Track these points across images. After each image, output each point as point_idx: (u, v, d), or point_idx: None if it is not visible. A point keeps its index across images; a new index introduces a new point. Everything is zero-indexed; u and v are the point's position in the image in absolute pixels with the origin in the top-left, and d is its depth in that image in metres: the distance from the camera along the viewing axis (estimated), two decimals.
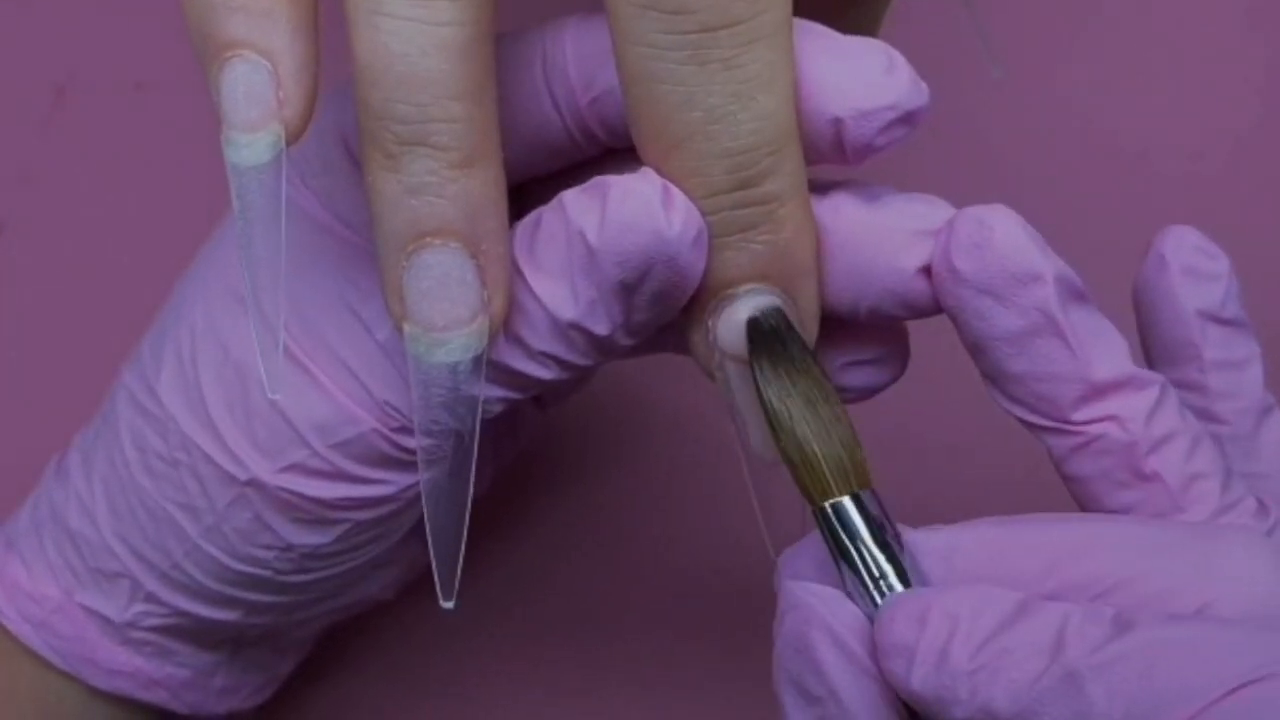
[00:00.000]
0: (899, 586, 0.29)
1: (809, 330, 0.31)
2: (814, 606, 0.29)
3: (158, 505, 0.35)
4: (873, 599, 0.29)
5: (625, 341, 0.31)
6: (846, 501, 0.30)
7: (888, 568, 0.29)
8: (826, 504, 0.30)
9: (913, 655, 0.28)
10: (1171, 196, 0.45)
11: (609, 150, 0.33)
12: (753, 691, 0.42)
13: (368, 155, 0.29)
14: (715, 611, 0.43)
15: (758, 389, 0.30)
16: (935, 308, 0.31)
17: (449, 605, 0.31)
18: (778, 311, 0.30)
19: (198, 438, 0.34)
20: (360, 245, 0.33)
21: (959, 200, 0.31)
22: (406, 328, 0.30)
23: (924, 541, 0.30)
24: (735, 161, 0.29)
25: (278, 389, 0.30)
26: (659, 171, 0.29)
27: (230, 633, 0.37)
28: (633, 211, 0.29)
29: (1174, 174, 0.46)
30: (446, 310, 0.29)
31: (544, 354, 0.31)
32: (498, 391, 0.31)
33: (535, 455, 0.44)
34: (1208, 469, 0.31)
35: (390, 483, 0.33)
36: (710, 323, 0.31)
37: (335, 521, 0.34)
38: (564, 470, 0.45)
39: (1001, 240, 0.30)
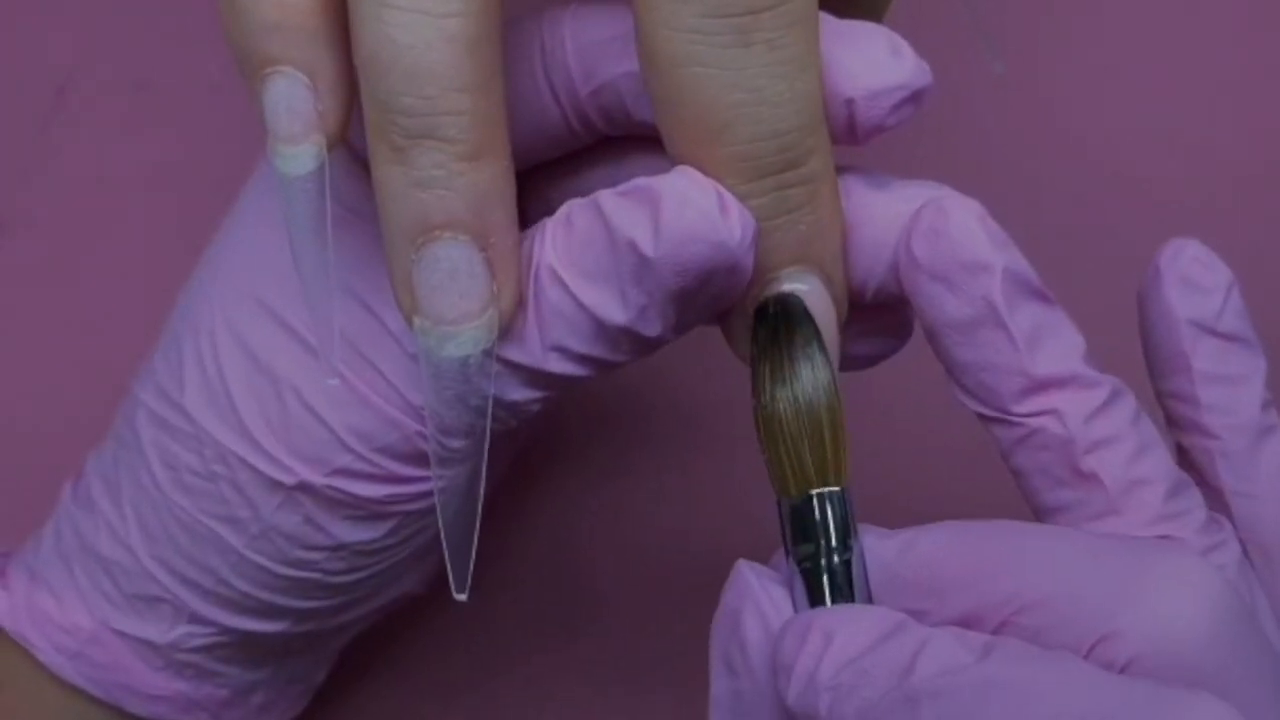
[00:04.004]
0: (823, 601, 0.30)
1: (841, 308, 0.31)
2: (752, 586, 0.30)
3: (196, 522, 0.34)
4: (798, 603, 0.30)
5: (670, 337, 0.31)
6: (799, 502, 0.30)
7: (816, 579, 0.30)
8: (782, 499, 0.31)
9: (790, 672, 0.28)
10: (1172, 196, 0.45)
11: (605, 138, 0.33)
12: None
13: (374, 148, 0.29)
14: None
15: (753, 374, 0.31)
16: None
17: (462, 597, 0.31)
18: (796, 298, 0.30)
19: (236, 448, 0.33)
20: (374, 235, 0.33)
21: None
22: (416, 321, 0.30)
23: (877, 544, 0.30)
24: (783, 142, 0.29)
25: (335, 376, 0.31)
26: (691, 159, 0.29)
27: (276, 645, 0.37)
28: (692, 223, 0.29)
29: (1175, 173, 0.46)
30: (456, 304, 0.29)
31: (587, 357, 0.31)
32: (536, 393, 0.31)
33: (549, 450, 0.44)
34: (1152, 476, 0.31)
35: (437, 476, 0.33)
36: (752, 309, 0.31)
37: (386, 515, 0.34)
38: (577, 460, 0.45)
39: (955, 229, 0.30)
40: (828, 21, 0.30)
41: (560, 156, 0.33)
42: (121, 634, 0.36)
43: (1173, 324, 0.32)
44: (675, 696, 0.43)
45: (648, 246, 0.29)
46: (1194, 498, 0.32)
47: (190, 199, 0.44)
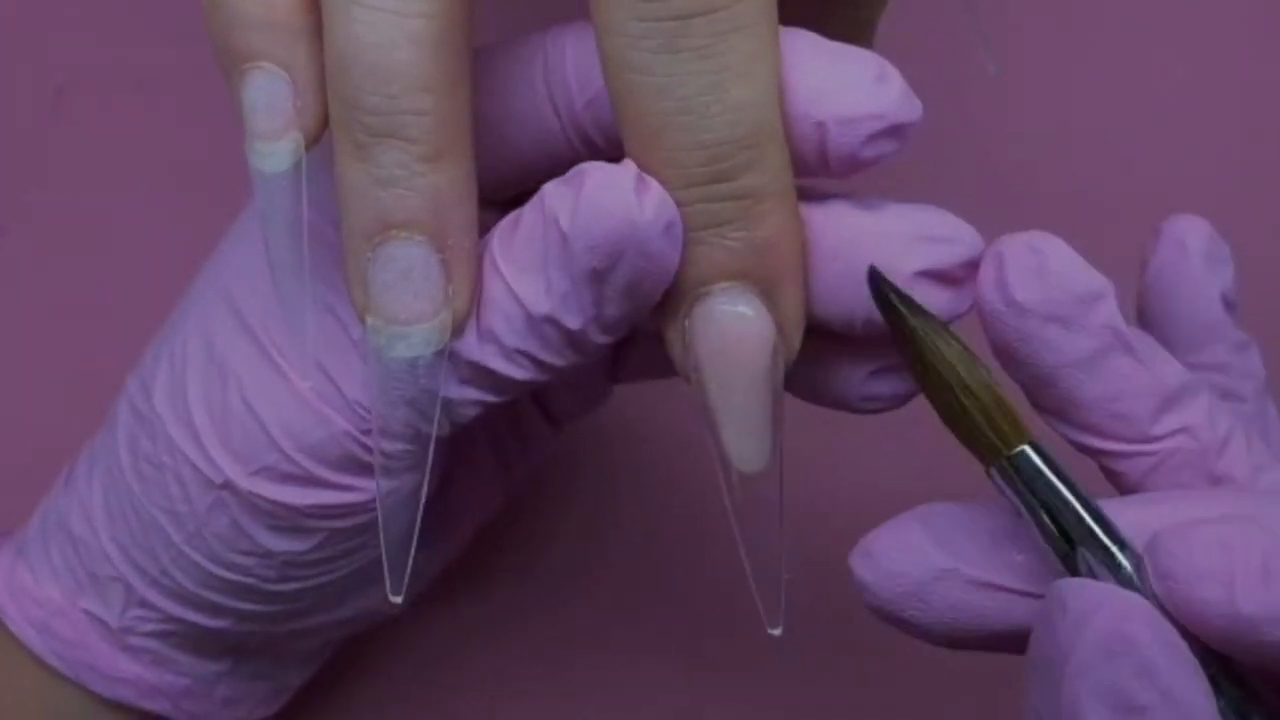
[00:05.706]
0: (1107, 540, 0.28)
1: (790, 337, 0.30)
2: (1132, 602, 0.27)
3: (145, 509, 0.34)
4: (1086, 562, 0.28)
5: (599, 339, 0.30)
6: (1021, 461, 0.28)
7: (1091, 520, 0.28)
8: (1014, 450, 0.28)
9: (1231, 579, 0.26)
10: (1172, 196, 0.45)
11: (609, 160, 0.32)
12: (771, 706, 0.43)
13: (338, 145, 0.29)
14: (732, 626, 0.42)
15: (919, 337, 0.29)
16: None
17: (397, 600, 0.30)
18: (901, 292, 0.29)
19: (179, 439, 0.33)
20: (335, 238, 0.32)
21: (951, 200, 0.31)
22: (369, 320, 0.29)
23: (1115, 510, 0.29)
24: (710, 154, 0.28)
25: (308, 378, 0.31)
26: (638, 163, 0.29)
27: (229, 641, 0.37)
28: (605, 197, 0.28)
29: (1175, 172, 0.46)
30: (409, 304, 0.29)
31: (519, 351, 0.30)
32: (472, 393, 0.31)
33: (548, 474, 0.44)
34: (1265, 460, 0.30)
35: (361, 489, 0.33)
36: (685, 322, 0.30)
37: (311, 530, 0.34)
38: (578, 488, 0.45)
39: (1058, 265, 0.29)
40: (812, 40, 0.29)
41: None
42: (87, 612, 0.36)
43: (1206, 297, 0.33)
44: (673, 699, 0.43)
45: (565, 222, 0.29)
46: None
47: (190, 199, 0.45)
